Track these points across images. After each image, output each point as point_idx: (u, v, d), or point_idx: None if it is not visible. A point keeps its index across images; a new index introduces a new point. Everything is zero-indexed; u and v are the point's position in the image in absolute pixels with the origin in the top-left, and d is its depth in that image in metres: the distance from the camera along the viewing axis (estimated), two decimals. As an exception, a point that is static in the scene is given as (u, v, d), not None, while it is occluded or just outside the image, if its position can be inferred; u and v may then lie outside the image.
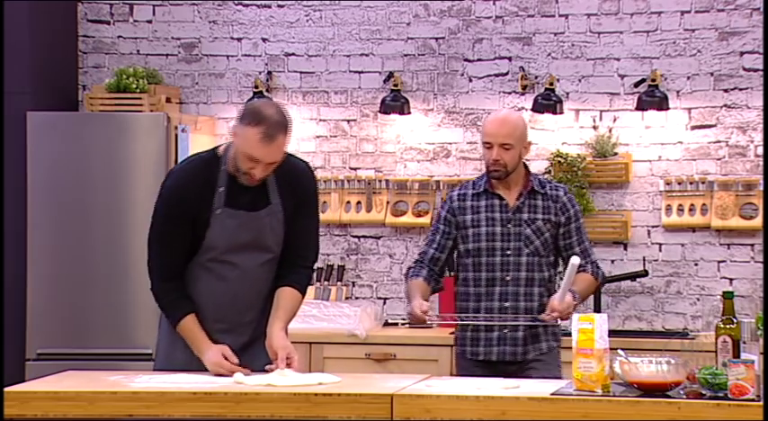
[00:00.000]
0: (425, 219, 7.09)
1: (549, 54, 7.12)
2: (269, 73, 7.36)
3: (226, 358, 4.51)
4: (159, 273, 4.63)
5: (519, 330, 5.10)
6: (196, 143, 6.88)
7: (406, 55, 7.28)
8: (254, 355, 4.62)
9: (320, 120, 7.37)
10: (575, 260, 4.86)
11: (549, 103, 6.97)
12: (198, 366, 4.57)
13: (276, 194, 4.62)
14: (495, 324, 5.07)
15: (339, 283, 7.26)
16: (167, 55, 7.50)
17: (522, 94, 7.12)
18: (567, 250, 5.18)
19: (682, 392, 4.03)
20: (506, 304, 5.12)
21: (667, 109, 6.88)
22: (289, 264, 4.70)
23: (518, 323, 5.05)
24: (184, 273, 4.64)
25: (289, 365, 4.47)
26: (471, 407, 4.06)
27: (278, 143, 4.46)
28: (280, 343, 4.53)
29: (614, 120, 7.04)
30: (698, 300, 6.94)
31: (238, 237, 4.58)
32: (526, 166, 5.26)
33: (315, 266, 4.83)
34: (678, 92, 6.95)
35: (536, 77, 7.11)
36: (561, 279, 5.05)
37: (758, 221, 6.78)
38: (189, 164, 4.70)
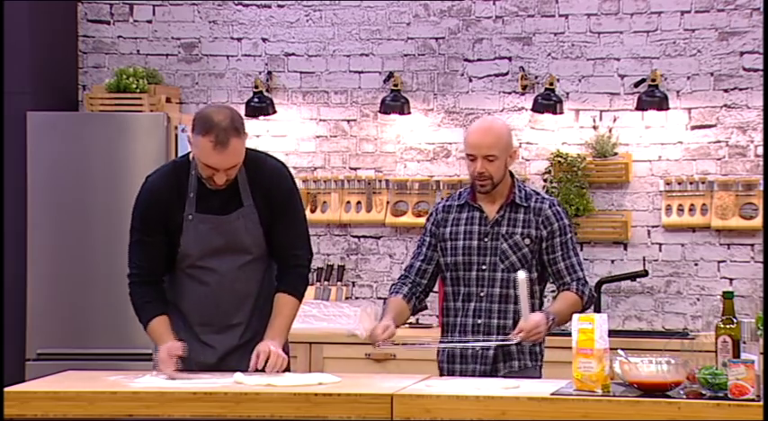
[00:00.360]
0: (425, 220, 7.09)
1: (549, 54, 7.12)
2: (269, 73, 7.36)
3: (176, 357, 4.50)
4: (135, 278, 4.66)
5: (491, 348, 4.83)
6: (196, 143, 6.88)
7: (406, 55, 7.28)
8: (245, 357, 4.60)
9: (320, 120, 7.38)
10: (520, 274, 4.65)
11: (549, 102, 6.97)
12: (192, 366, 4.57)
13: (249, 195, 4.62)
14: (452, 346, 4.83)
15: (339, 283, 7.26)
16: (167, 55, 7.50)
17: (522, 94, 7.12)
18: (551, 265, 4.91)
19: (682, 392, 4.02)
20: (479, 321, 4.87)
21: (667, 109, 6.88)
22: (282, 265, 4.72)
23: (478, 345, 4.78)
24: (165, 279, 4.68)
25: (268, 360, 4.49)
26: (471, 407, 4.06)
27: (232, 148, 4.43)
28: (258, 347, 4.55)
29: (614, 120, 7.04)
30: (698, 300, 6.94)
31: (212, 242, 4.60)
32: (513, 176, 4.99)
33: (311, 263, 4.81)
34: (678, 92, 6.95)
35: (536, 77, 7.11)
36: (544, 296, 4.96)
37: (758, 221, 6.78)
38: (161, 171, 4.73)
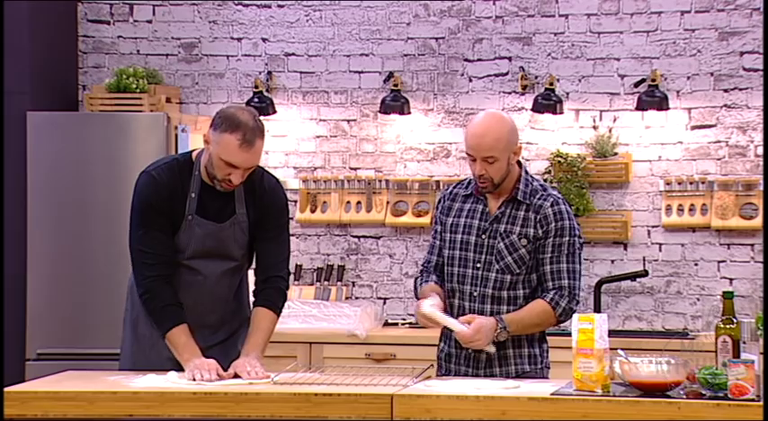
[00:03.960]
0: (425, 219, 7.09)
1: (549, 54, 7.12)
2: (269, 73, 7.36)
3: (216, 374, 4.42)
4: (148, 277, 4.57)
5: (482, 350, 4.60)
6: (196, 143, 6.87)
7: (406, 55, 7.28)
8: (216, 357, 4.57)
9: (320, 120, 7.37)
10: (425, 308, 4.51)
11: (549, 102, 6.97)
12: (162, 367, 4.56)
13: (243, 204, 4.63)
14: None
15: (339, 283, 7.25)
16: (167, 55, 7.50)
17: (522, 94, 7.12)
18: (539, 267, 4.63)
19: (682, 392, 4.03)
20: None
21: (667, 109, 6.88)
22: (263, 280, 4.68)
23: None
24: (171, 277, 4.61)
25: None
26: (471, 407, 4.06)
27: (256, 148, 4.45)
28: (235, 363, 4.50)
29: (614, 120, 7.04)
30: (698, 300, 6.94)
31: (203, 245, 4.60)
32: (521, 167, 4.70)
33: (290, 280, 4.78)
34: (678, 92, 6.95)
35: (536, 77, 7.11)
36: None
37: (758, 221, 6.78)
38: (165, 165, 4.67)
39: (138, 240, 4.59)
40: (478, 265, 4.66)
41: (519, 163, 4.69)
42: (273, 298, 4.67)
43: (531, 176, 4.74)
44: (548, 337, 4.91)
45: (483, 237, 4.66)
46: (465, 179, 4.84)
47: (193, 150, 4.71)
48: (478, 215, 4.69)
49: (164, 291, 4.56)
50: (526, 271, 4.65)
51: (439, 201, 4.86)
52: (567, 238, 4.63)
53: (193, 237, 4.59)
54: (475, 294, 4.67)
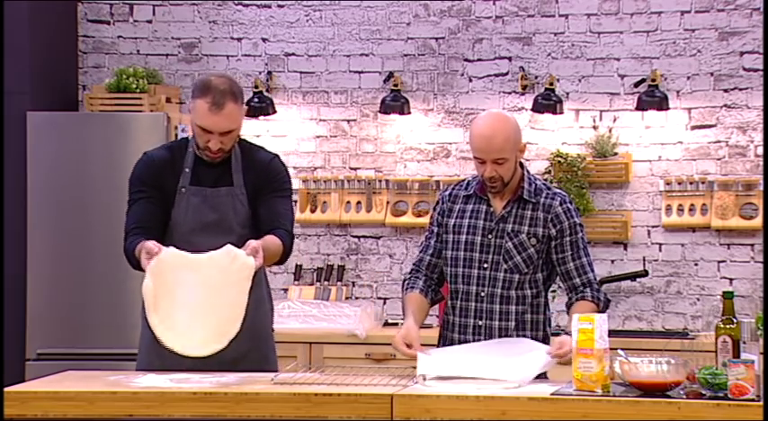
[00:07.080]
0: (425, 219, 7.08)
1: (549, 54, 7.12)
2: (269, 73, 7.36)
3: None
4: (132, 233, 4.55)
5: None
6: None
7: (406, 55, 7.28)
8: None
9: (320, 120, 7.38)
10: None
11: (549, 103, 6.97)
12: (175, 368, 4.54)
13: (240, 177, 4.64)
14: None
15: (339, 283, 7.26)
16: (167, 55, 7.51)
17: (522, 94, 7.13)
18: (560, 265, 4.67)
19: (682, 392, 4.03)
20: (480, 322, 4.64)
21: (667, 109, 6.88)
22: (265, 230, 4.57)
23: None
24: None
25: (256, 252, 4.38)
26: (471, 407, 4.06)
27: (227, 112, 4.50)
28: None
29: (614, 120, 7.05)
30: (698, 300, 6.94)
31: (202, 216, 4.61)
32: (523, 167, 4.71)
33: (292, 243, 4.63)
34: (678, 92, 6.95)
35: (536, 77, 7.11)
36: (553, 291, 4.75)
37: (758, 221, 6.78)
38: (162, 146, 4.82)
39: (127, 213, 4.64)
40: (485, 265, 4.66)
41: (521, 164, 4.71)
42: (281, 235, 4.55)
43: (533, 175, 4.76)
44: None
45: (489, 237, 4.66)
46: (463, 180, 4.83)
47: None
48: (483, 215, 4.68)
49: (134, 237, 4.51)
50: (533, 270, 4.67)
51: (437, 203, 4.83)
52: (580, 234, 4.71)
53: (190, 207, 4.61)
54: (483, 294, 4.66)
